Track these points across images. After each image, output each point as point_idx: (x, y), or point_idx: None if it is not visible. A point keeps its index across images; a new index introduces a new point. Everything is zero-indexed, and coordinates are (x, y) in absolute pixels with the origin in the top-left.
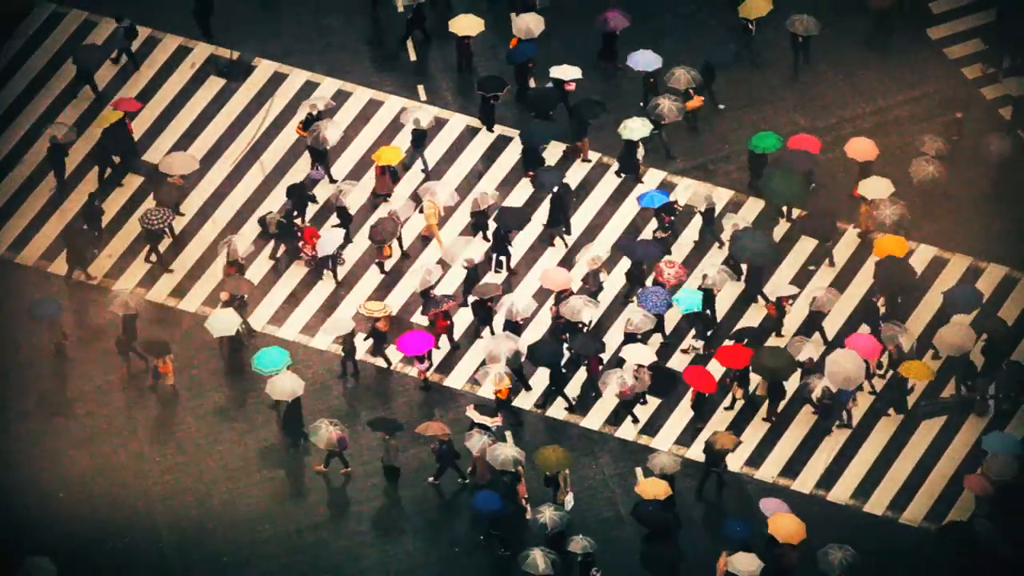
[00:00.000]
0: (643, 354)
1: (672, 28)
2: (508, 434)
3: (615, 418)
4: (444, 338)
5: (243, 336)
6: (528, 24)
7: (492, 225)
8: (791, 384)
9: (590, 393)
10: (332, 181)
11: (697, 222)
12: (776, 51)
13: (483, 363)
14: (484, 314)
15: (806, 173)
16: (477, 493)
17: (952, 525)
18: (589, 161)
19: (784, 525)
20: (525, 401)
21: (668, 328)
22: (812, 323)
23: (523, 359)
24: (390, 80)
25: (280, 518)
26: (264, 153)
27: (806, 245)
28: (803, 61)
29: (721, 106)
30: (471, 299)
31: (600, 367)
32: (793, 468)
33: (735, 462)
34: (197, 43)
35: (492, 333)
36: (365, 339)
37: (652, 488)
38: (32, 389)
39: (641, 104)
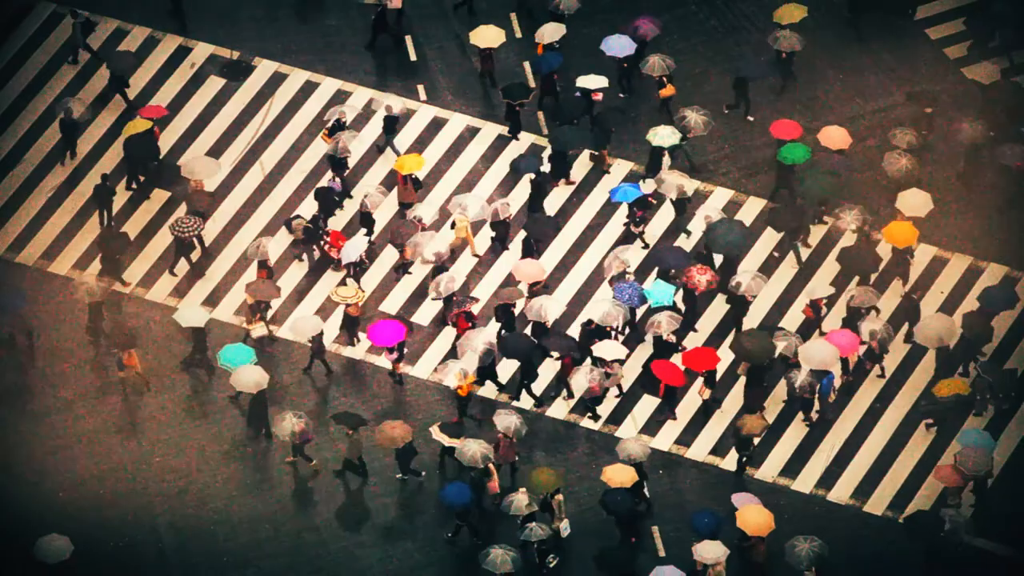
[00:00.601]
0: (614, 351)
1: (672, 27)
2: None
3: (615, 419)
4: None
5: (264, 340)
6: (547, 32)
7: (522, 234)
8: (780, 384)
9: (563, 390)
10: (347, 194)
11: (668, 213)
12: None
13: (447, 356)
14: (507, 319)
15: (837, 172)
16: (447, 485)
17: (918, 514)
18: (608, 172)
19: (751, 518)
20: (526, 402)
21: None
22: (851, 320)
23: (495, 353)
24: (390, 80)
25: (280, 518)
26: (264, 153)
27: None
28: (788, 76)
29: (750, 118)
30: (496, 303)
31: (574, 366)
32: (793, 468)
33: (735, 462)
34: (197, 43)
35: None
36: (341, 328)
37: (619, 476)
38: (33, 389)
39: (620, 95)
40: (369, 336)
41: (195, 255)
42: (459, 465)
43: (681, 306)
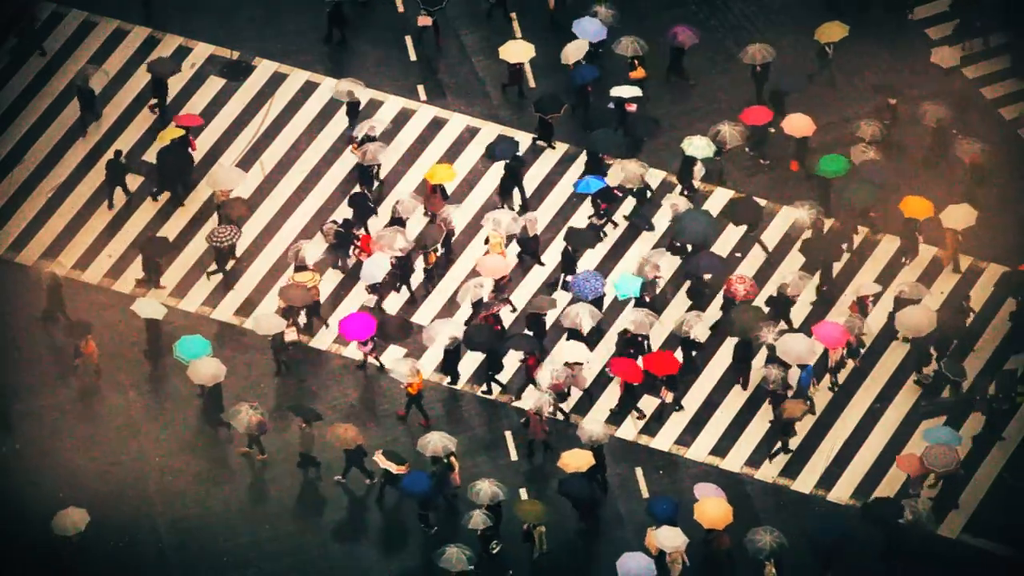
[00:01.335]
0: (578, 352)
1: (671, 27)
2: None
3: (614, 419)
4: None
5: (296, 345)
6: (571, 51)
7: (561, 246)
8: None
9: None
10: (376, 204)
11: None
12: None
13: (406, 354)
14: (537, 328)
15: (880, 183)
16: (407, 474)
17: (877, 501)
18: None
19: (708, 510)
20: (525, 402)
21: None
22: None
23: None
24: (390, 80)
25: (281, 518)
26: (264, 153)
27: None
28: (763, 88)
29: (771, 130)
30: (527, 312)
31: (538, 365)
32: (793, 468)
33: (735, 462)
34: (197, 43)
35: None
36: (306, 313)
37: (574, 460)
38: (33, 388)
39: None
40: (341, 330)
41: (230, 264)
42: (399, 495)
43: (718, 312)
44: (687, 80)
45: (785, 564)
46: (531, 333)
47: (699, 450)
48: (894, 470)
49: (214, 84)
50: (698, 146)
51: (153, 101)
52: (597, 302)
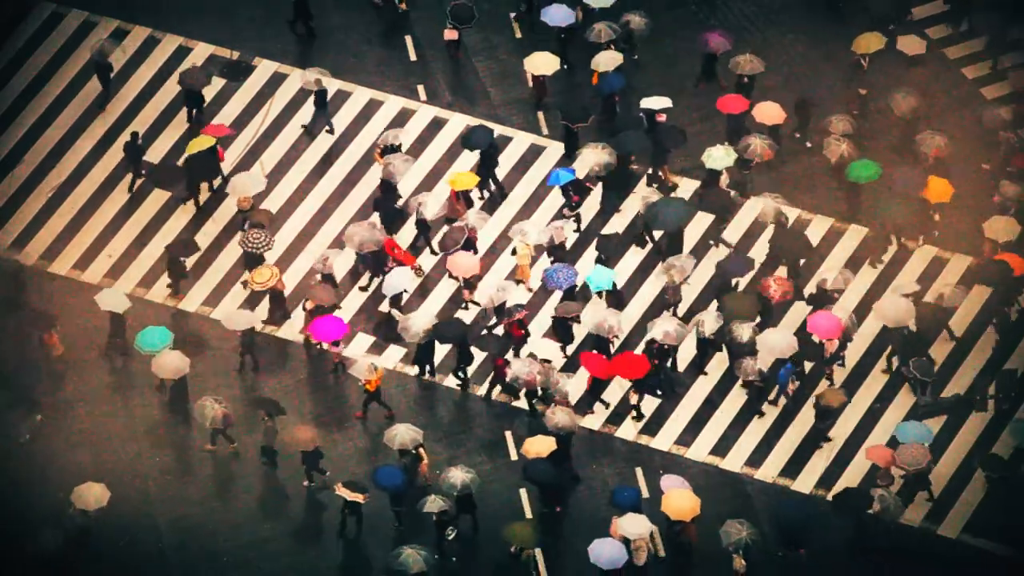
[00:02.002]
0: (549, 350)
1: (672, 27)
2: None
3: (615, 418)
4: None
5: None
6: (603, 60)
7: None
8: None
9: (493, 392)
10: (398, 209)
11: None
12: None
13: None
14: (564, 332)
15: (914, 198)
16: (378, 469)
17: (845, 492)
18: (676, 185)
19: (675, 502)
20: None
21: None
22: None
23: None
24: (390, 80)
25: (281, 518)
26: (264, 153)
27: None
28: (749, 97)
29: (808, 144)
30: (554, 316)
31: (506, 367)
32: (793, 468)
33: (735, 462)
34: (197, 43)
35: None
36: (271, 308)
37: (537, 446)
38: (34, 389)
39: (563, 66)
40: (311, 332)
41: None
42: (360, 525)
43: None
44: (719, 85)
45: (758, 559)
46: (558, 336)
47: (699, 450)
48: (974, 488)
49: (214, 84)
50: (716, 157)
51: (192, 115)
52: (570, 293)
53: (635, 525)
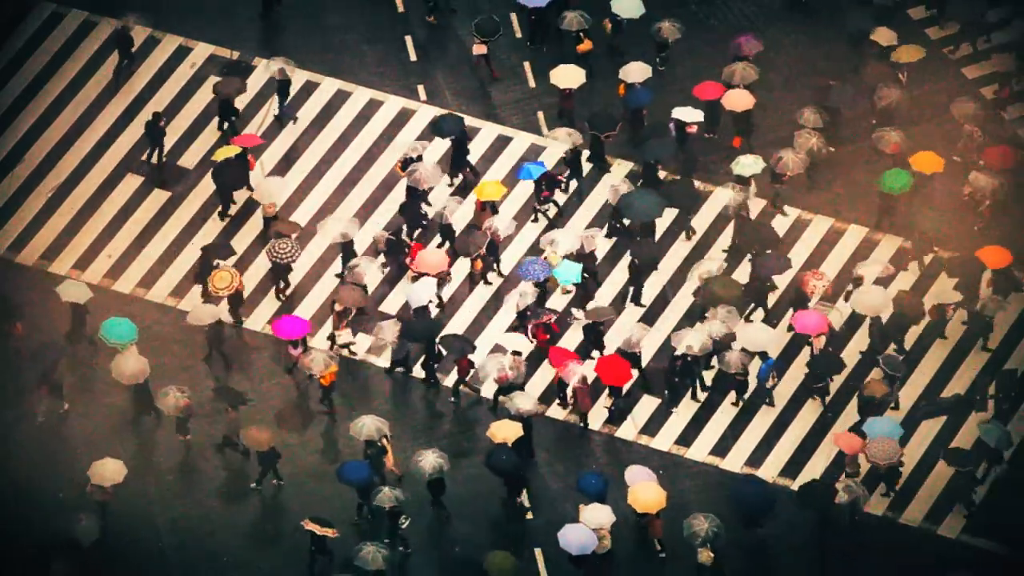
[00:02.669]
0: (519, 343)
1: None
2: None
3: (615, 419)
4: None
5: (348, 348)
6: (632, 71)
7: (626, 260)
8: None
9: (458, 394)
10: (424, 214)
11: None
12: (777, 54)
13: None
14: (594, 337)
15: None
16: (343, 464)
17: (810, 484)
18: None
19: (642, 495)
20: (525, 402)
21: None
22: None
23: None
24: (390, 80)
25: (281, 518)
26: (263, 154)
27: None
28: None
29: (831, 149)
30: (584, 322)
31: (470, 368)
32: (793, 468)
33: (735, 462)
34: (197, 43)
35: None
36: (230, 306)
37: (503, 431)
38: (33, 389)
39: (528, 43)
40: (274, 331)
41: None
42: (331, 559)
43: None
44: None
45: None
46: (587, 341)
47: (699, 450)
48: (941, 480)
49: (213, 84)
50: (746, 164)
51: (225, 124)
52: (540, 286)
53: (597, 515)
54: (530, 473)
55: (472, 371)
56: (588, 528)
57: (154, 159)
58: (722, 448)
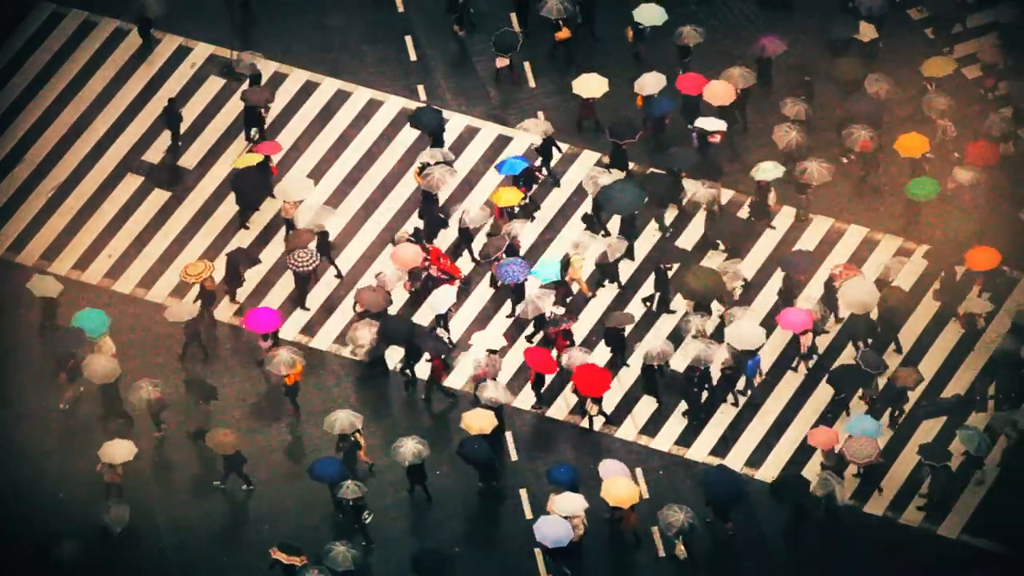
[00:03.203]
0: (492, 339)
1: (672, 27)
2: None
3: (614, 418)
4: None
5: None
6: (648, 82)
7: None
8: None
9: (431, 394)
10: (444, 218)
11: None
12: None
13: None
14: (617, 343)
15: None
16: (315, 462)
17: (785, 478)
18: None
19: (615, 489)
20: (525, 402)
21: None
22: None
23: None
24: (390, 80)
25: (281, 518)
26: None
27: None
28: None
29: (845, 160)
30: (607, 327)
31: (445, 370)
32: (793, 468)
33: (735, 462)
34: (197, 43)
35: (626, 364)
36: (194, 300)
37: (477, 422)
38: (33, 389)
39: (518, 31)
40: (246, 324)
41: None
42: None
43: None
44: (770, 89)
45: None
46: (610, 348)
47: (699, 450)
48: (894, 469)
49: (214, 84)
50: (766, 169)
51: (252, 133)
52: (519, 288)
53: (569, 503)
54: (499, 462)
55: (446, 373)
56: (561, 518)
57: (172, 144)
58: (722, 448)
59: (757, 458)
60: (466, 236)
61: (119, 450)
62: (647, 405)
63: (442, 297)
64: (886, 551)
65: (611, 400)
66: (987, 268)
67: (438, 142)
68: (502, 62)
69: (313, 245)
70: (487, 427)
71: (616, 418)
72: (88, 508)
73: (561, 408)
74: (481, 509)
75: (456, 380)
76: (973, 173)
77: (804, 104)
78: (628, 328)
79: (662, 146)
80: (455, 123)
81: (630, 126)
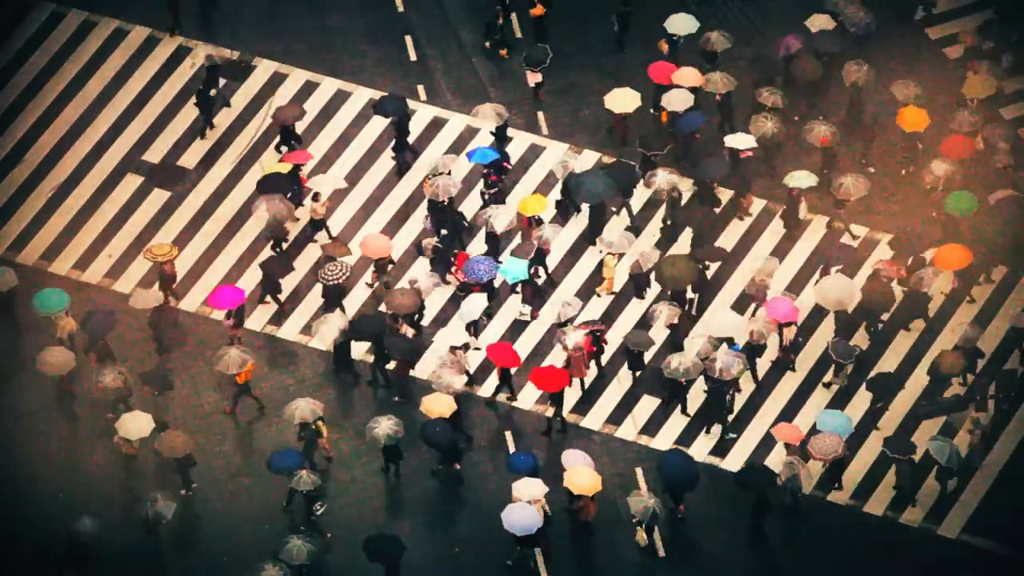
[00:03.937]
0: (455, 336)
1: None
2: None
3: (615, 418)
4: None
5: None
6: (674, 99)
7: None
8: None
9: (401, 395)
10: (438, 235)
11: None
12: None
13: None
14: (634, 361)
15: (1007, 220)
16: (273, 454)
17: (749, 468)
18: (750, 215)
19: (577, 478)
20: (526, 401)
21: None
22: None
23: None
24: (390, 80)
25: (281, 517)
26: (264, 154)
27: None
28: (727, 115)
29: (871, 169)
30: (626, 346)
31: (408, 372)
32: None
33: (735, 462)
34: (197, 43)
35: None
36: (159, 287)
37: (436, 406)
38: (33, 389)
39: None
40: (210, 302)
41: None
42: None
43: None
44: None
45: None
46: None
47: (699, 450)
48: (893, 472)
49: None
50: (799, 177)
51: (284, 149)
52: (489, 286)
53: (530, 488)
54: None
55: (405, 376)
56: (526, 504)
57: (203, 125)
58: (722, 448)
59: (757, 458)
60: (493, 241)
61: (136, 424)
62: (647, 405)
63: (473, 304)
64: (886, 551)
65: (611, 400)
66: (959, 267)
67: (403, 130)
68: (534, 78)
69: (349, 259)
70: (446, 411)
71: (616, 418)
72: (88, 508)
73: (528, 400)
74: (481, 506)
75: (421, 374)
76: (948, 165)
77: (779, 94)
78: (649, 352)
79: (693, 160)
80: (455, 123)
81: (660, 139)
